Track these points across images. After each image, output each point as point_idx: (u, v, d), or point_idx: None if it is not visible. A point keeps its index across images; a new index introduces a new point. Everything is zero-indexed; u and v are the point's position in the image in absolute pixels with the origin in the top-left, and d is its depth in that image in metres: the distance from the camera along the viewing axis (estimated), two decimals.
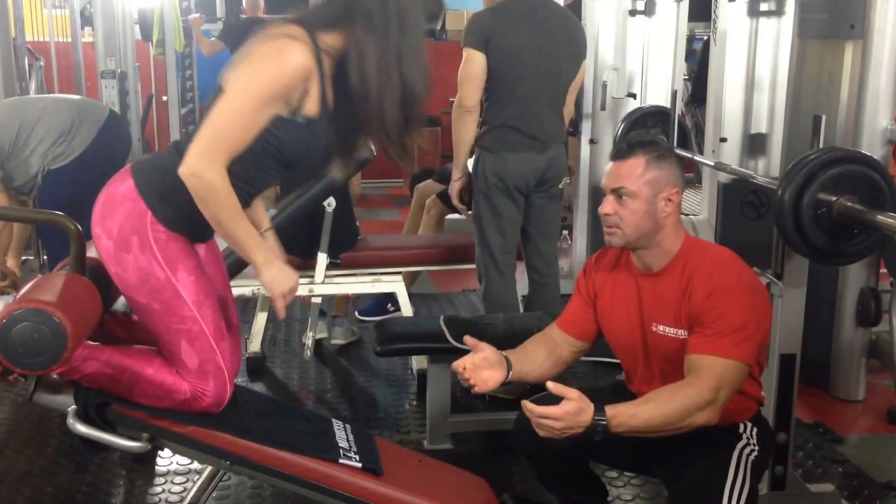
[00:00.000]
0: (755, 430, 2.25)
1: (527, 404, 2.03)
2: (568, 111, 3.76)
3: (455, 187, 3.71)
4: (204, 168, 1.96)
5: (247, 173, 2.08)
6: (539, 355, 2.38)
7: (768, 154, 5.26)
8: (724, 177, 4.51)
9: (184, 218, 2.08)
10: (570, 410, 1.98)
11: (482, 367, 2.24)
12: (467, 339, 2.29)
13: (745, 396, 2.23)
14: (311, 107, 2.04)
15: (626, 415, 2.01)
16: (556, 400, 2.00)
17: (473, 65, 3.52)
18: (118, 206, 2.07)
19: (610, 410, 2.01)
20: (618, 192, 2.19)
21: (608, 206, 2.21)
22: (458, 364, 2.25)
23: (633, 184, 2.16)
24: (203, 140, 1.98)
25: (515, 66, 3.51)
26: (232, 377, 2.16)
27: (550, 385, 2.03)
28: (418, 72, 2.09)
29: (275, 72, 1.98)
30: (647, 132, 4.33)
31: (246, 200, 2.11)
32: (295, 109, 2.02)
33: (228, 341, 2.16)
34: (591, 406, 2.00)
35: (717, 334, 2.08)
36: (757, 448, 2.21)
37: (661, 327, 2.21)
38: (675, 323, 2.18)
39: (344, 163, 2.29)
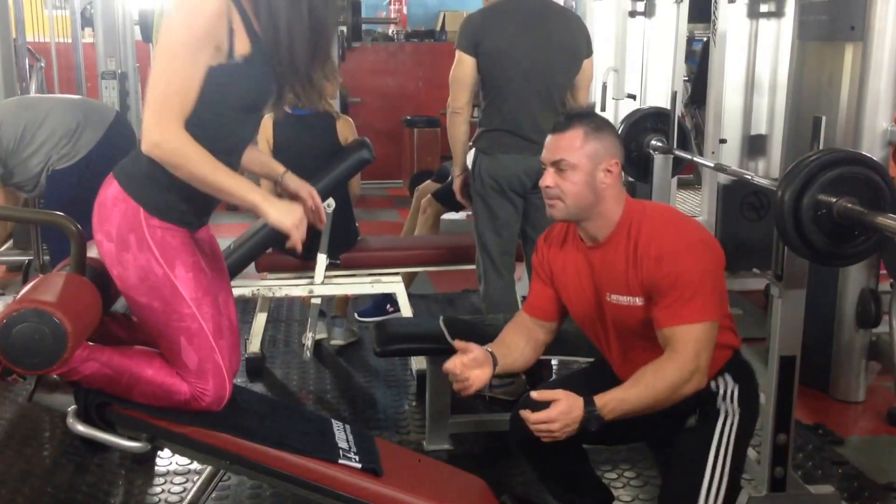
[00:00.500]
0: (730, 379, 2.26)
1: (524, 415, 2.08)
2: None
3: (457, 183, 3.73)
4: (162, 135, 1.94)
5: (212, 129, 2.04)
6: (519, 343, 2.41)
7: (768, 155, 5.27)
8: (723, 178, 4.52)
9: (174, 203, 2.07)
10: (562, 410, 2.04)
11: (471, 367, 2.26)
12: (457, 342, 2.31)
13: (716, 346, 2.24)
14: (242, 45, 2.00)
15: (616, 401, 2.07)
16: (547, 404, 2.06)
17: (462, 68, 3.53)
18: (112, 209, 2.07)
19: (599, 400, 2.06)
20: (558, 165, 2.21)
21: (548, 178, 2.23)
22: (451, 366, 2.26)
23: (573, 156, 2.19)
24: (150, 109, 1.95)
25: (506, 68, 3.51)
26: (231, 376, 2.16)
27: (534, 394, 2.10)
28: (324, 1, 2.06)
29: (192, 17, 1.95)
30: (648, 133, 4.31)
31: (224, 158, 2.05)
32: (228, 52, 1.99)
33: (227, 339, 2.16)
34: (580, 400, 2.05)
35: (679, 302, 2.11)
36: (737, 412, 2.24)
37: (614, 297, 2.23)
38: (627, 291, 2.21)
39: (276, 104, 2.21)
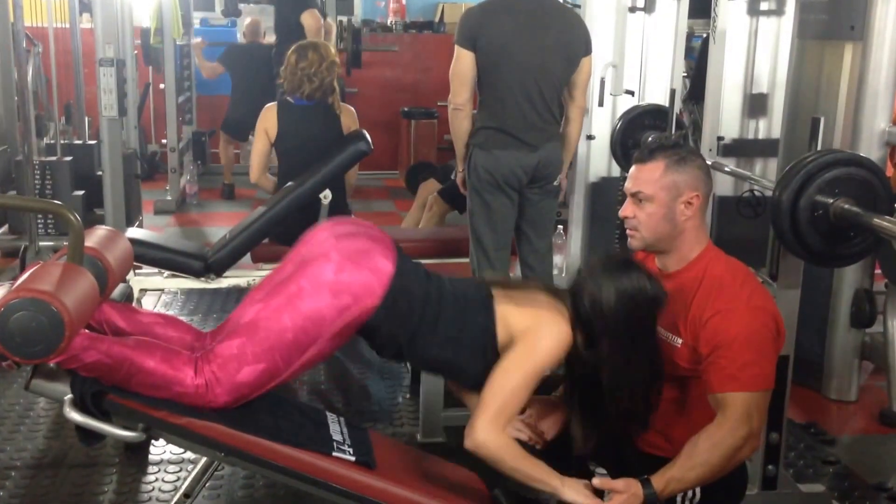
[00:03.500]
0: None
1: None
2: (579, 106, 3.73)
3: (459, 178, 3.73)
4: (486, 435, 2.11)
5: (441, 347, 2.21)
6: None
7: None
8: (721, 176, 4.51)
9: (377, 335, 2.20)
10: (622, 502, 2.02)
11: (538, 420, 2.30)
12: None
13: None
14: None
15: (675, 482, 2.04)
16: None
17: (461, 63, 3.52)
18: (367, 271, 2.13)
19: (658, 483, 2.03)
20: (637, 196, 2.20)
21: (627, 209, 2.23)
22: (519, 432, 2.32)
23: (650, 188, 2.17)
24: (490, 411, 2.11)
25: (501, 65, 3.50)
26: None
27: (596, 482, 2.07)
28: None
29: (550, 355, 2.15)
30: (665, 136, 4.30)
31: None
32: None
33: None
34: (639, 488, 2.02)
35: (735, 366, 2.06)
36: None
37: (658, 328, 2.20)
38: (671, 328, 2.18)
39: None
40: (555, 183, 3.68)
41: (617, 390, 2.14)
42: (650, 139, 4.18)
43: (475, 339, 2.20)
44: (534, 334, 2.14)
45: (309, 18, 5.75)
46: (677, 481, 2.04)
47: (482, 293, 2.24)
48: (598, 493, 2.07)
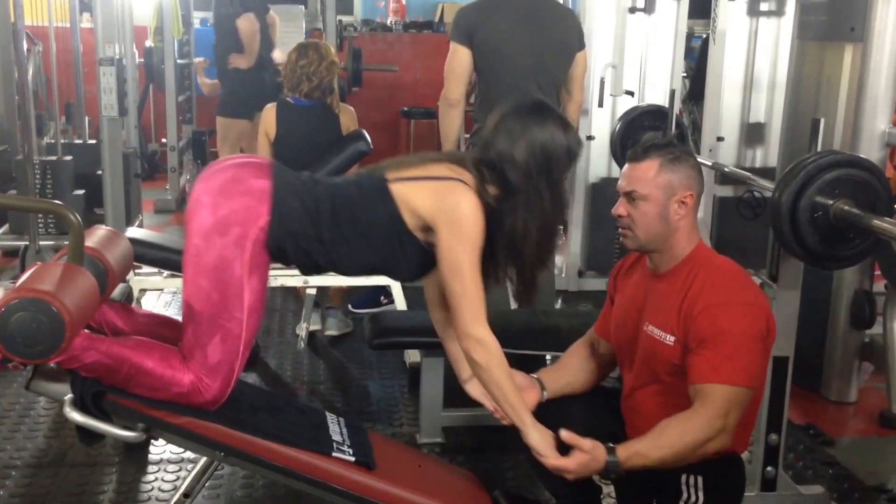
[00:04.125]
0: (700, 488, 2.16)
1: (545, 460, 2.09)
2: (576, 102, 3.73)
3: None
4: (486, 335, 2.12)
5: (351, 249, 2.20)
6: (573, 364, 2.43)
7: (766, 153, 5.27)
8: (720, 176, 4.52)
9: (281, 252, 2.16)
10: (582, 462, 2.03)
11: None
12: None
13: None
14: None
15: (639, 455, 2.03)
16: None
17: (457, 59, 3.52)
18: (242, 195, 2.11)
19: (623, 452, 2.03)
20: (630, 195, 2.19)
21: (621, 207, 2.22)
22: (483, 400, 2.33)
23: (645, 187, 2.16)
24: (467, 307, 2.12)
25: (497, 62, 3.50)
26: (236, 381, 2.18)
27: (564, 435, 2.06)
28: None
29: (477, 229, 2.14)
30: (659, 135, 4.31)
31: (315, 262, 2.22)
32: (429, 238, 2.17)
33: (249, 352, 2.18)
34: (604, 453, 2.02)
35: (719, 359, 2.04)
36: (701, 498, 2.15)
37: (651, 327, 2.20)
38: (664, 326, 2.17)
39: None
40: None
41: (527, 238, 2.18)
42: (643, 140, 4.18)
43: (384, 229, 2.17)
44: (448, 215, 2.12)
45: (244, 23, 5.71)
46: (641, 457, 2.03)
47: (375, 181, 2.20)
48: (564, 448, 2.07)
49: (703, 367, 2.06)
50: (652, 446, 2.04)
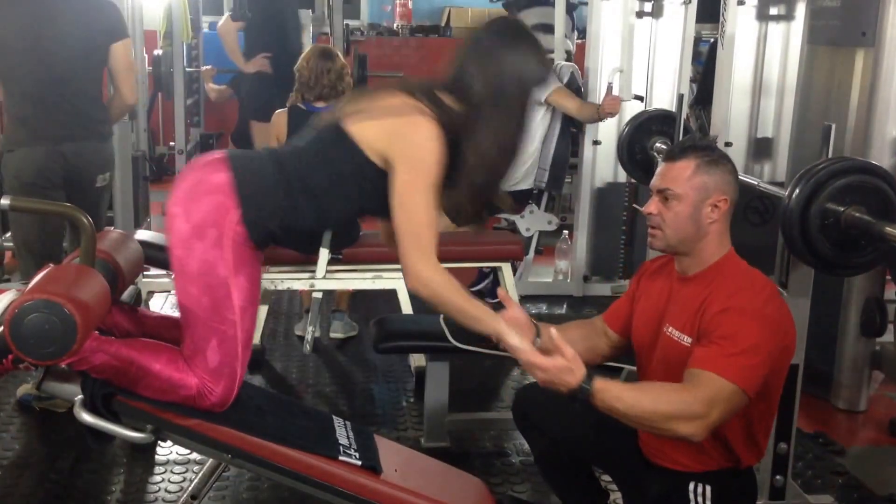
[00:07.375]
0: (708, 490, 2.14)
1: (522, 354, 2.03)
2: (125, 96, 3.57)
3: None
4: (429, 273, 2.07)
5: (329, 202, 2.17)
6: (573, 334, 2.34)
7: (774, 159, 5.25)
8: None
9: (268, 235, 2.14)
10: (559, 366, 1.98)
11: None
12: (500, 291, 2.27)
13: (723, 444, 2.14)
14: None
15: (612, 393, 1.99)
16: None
17: None
18: (207, 195, 2.09)
19: (599, 383, 1.98)
20: (664, 194, 2.16)
21: (652, 205, 2.18)
22: None
23: (679, 186, 2.13)
24: (409, 242, 2.07)
25: (8, 57, 3.30)
26: (240, 382, 2.17)
27: (554, 335, 2.03)
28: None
29: (434, 158, 2.08)
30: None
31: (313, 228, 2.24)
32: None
33: (249, 351, 2.18)
34: (583, 371, 1.99)
35: (723, 353, 2.00)
36: None
37: (671, 329, 2.17)
38: (683, 328, 2.14)
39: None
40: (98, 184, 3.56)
41: (486, 157, 2.13)
42: (682, 140, 4.15)
43: (352, 173, 2.14)
44: (404, 150, 2.09)
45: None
46: (613, 398, 1.98)
47: (332, 127, 2.17)
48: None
49: (703, 356, 2.03)
50: (627, 395, 1.99)
